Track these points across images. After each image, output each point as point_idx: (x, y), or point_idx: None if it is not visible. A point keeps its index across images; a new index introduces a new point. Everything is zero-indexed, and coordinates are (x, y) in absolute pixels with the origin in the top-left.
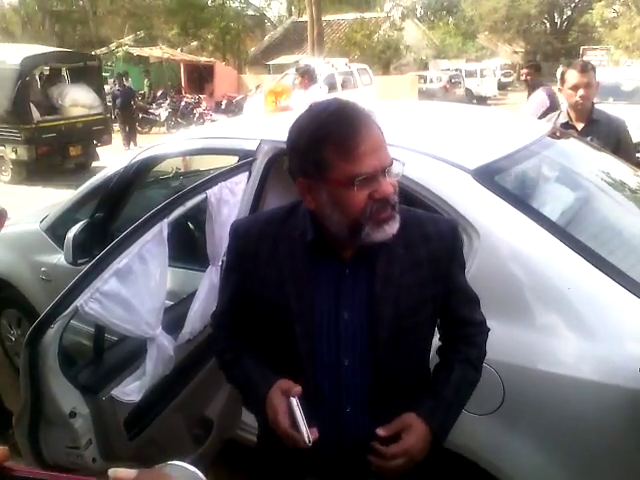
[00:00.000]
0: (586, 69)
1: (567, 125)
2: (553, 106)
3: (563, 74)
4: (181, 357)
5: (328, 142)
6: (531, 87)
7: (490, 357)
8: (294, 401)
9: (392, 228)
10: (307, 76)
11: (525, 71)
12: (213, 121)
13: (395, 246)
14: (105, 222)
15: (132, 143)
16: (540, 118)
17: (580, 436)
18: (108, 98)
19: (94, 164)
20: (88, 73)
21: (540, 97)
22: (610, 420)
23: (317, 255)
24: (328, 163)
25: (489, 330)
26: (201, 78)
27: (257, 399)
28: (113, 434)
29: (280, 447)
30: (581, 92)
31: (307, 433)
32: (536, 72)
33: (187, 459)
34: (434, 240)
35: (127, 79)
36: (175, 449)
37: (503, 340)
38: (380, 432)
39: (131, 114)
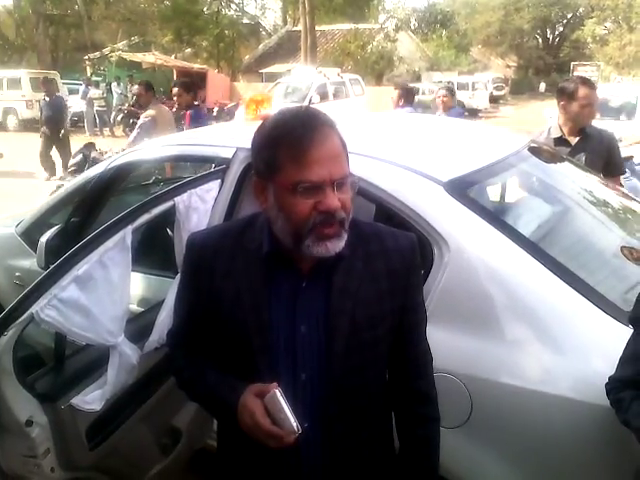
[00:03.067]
0: (594, 86)
1: (561, 139)
2: None
3: (575, 90)
4: (148, 365)
5: (281, 143)
6: None
7: (457, 370)
8: (277, 392)
9: (335, 246)
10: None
11: None
12: None
13: (354, 259)
14: (80, 227)
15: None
16: None
17: (547, 450)
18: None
19: None
20: None
21: None
22: (576, 435)
23: (274, 268)
24: (278, 164)
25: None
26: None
27: (228, 409)
28: (73, 443)
29: (239, 453)
30: (592, 107)
31: (295, 421)
32: None
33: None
34: (393, 255)
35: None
36: (140, 459)
37: (470, 353)
38: None
39: (58, 132)
